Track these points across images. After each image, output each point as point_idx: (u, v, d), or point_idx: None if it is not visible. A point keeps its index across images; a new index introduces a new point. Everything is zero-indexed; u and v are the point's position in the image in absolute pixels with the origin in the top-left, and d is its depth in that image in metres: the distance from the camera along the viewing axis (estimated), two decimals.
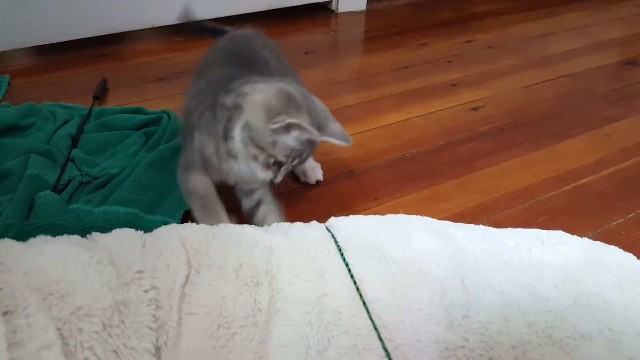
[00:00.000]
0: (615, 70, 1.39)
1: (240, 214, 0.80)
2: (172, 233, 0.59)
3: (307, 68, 1.38)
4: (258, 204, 0.79)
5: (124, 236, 0.54)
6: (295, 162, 0.74)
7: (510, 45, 1.53)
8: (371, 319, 0.49)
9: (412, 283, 0.52)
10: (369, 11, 1.80)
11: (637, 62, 1.43)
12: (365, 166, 0.99)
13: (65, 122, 1.04)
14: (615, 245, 0.67)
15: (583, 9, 1.84)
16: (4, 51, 1.35)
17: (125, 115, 1.07)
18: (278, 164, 0.73)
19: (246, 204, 0.80)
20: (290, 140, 0.70)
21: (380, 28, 1.67)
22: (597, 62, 1.43)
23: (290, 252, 0.58)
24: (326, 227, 0.64)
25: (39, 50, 1.41)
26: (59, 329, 0.40)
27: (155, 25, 1.50)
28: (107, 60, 1.40)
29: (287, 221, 0.72)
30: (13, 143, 0.94)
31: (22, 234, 0.68)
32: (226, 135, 0.72)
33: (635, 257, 0.63)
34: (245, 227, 0.63)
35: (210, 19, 1.10)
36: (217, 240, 0.58)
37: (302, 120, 0.68)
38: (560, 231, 0.64)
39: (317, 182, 0.94)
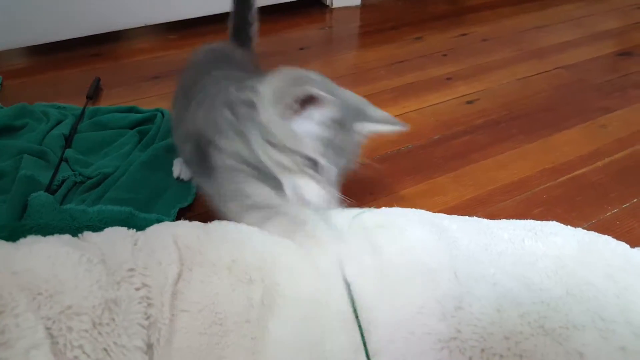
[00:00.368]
0: (611, 61, 1.38)
1: None
2: (164, 231, 0.59)
3: (302, 64, 1.36)
4: None
5: (116, 235, 0.53)
6: (342, 162, 0.60)
7: (505, 37, 1.53)
8: (356, 316, 0.49)
9: (405, 276, 0.52)
10: (363, 6, 1.79)
11: (632, 52, 1.43)
12: (360, 161, 0.99)
13: (59, 123, 1.04)
14: (610, 235, 0.67)
15: (578, 0, 1.84)
16: None
17: (119, 114, 1.06)
18: (320, 171, 0.59)
19: None
20: (314, 125, 0.57)
21: (375, 23, 1.66)
22: (592, 53, 1.42)
23: (284, 248, 0.58)
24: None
25: (31, 50, 1.41)
26: (48, 328, 0.40)
27: (148, 24, 1.50)
28: (100, 59, 1.40)
29: None
30: (6, 144, 0.94)
31: (15, 235, 0.67)
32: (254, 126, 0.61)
33: (628, 247, 0.63)
34: (239, 224, 0.63)
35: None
36: (211, 237, 0.58)
37: (319, 91, 0.55)
38: (554, 222, 0.63)
39: None
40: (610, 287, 0.53)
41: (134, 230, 0.57)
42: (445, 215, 0.67)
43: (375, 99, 1.21)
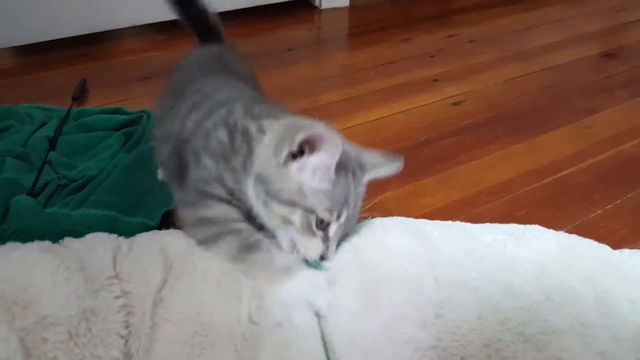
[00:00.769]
0: (594, 63, 1.40)
1: None
2: (153, 238, 0.58)
3: (290, 65, 1.37)
4: None
5: (97, 241, 0.53)
6: (343, 216, 0.55)
7: (491, 39, 1.54)
8: (323, 339, 0.48)
9: (385, 283, 0.52)
10: (352, 7, 1.79)
11: (615, 54, 1.44)
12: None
13: (43, 124, 1.02)
14: (593, 236, 0.68)
15: (562, 2, 1.85)
16: None
17: (104, 115, 1.05)
18: (322, 226, 0.55)
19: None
20: (316, 174, 0.53)
21: (364, 24, 1.67)
22: (576, 54, 1.43)
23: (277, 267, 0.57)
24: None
25: (16, 51, 1.39)
26: (21, 340, 0.39)
27: (137, 24, 1.48)
28: (87, 60, 1.38)
29: None
30: None
31: None
32: (241, 181, 0.58)
33: (610, 249, 0.63)
34: None
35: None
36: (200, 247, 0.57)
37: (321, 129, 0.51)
38: (536, 225, 0.64)
39: None
40: (589, 291, 0.53)
41: (116, 235, 0.56)
42: (427, 220, 0.67)
43: (364, 100, 1.21)
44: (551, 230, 0.63)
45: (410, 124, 1.11)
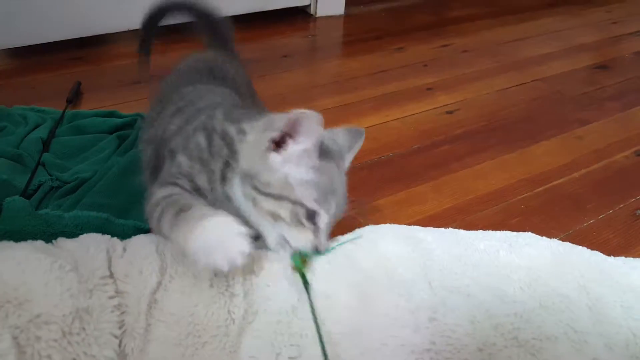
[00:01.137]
0: (587, 74, 1.42)
1: None
2: (148, 240, 0.58)
3: (285, 71, 1.38)
4: None
5: (90, 242, 0.53)
6: (333, 205, 0.55)
7: (485, 49, 1.56)
8: (318, 330, 0.48)
9: (379, 288, 0.52)
10: (347, 15, 1.81)
11: (608, 66, 1.46)
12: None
13: (37, 126, 1.02)
14: (586, 245, 0.68)
15: (556, 14, 1.88)
16: None
17: (99, 118, 1.05)
18: (311, 217, 0.54)
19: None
20: (301, 164, 0.53)
21: (359, 32, 1.68)
22: (569, 66, 1.45)
23: (268, 262, 0.57)
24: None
25: (11, 53, 1.38)
26: (15, 338, 0.39)
27: (131, 28, 1.48)
28: (82, 63, 1.38)
29: None
30: None
31: None
32: (224, 182, 0.58)
33: (603, 257, 0.64)
34: None
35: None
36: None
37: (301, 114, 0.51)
38: (529, 233, 0.64)
39: None
40: (582, 298, 0.53)
41: (109, 236, 0.56)
42: (420, 227, 0.67)
43: (358, 107, 1.22)
44: (544, 238, 0.63)
45: (404, 132, 1.12)
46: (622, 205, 0.91)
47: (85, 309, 0.44)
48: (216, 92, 0.73)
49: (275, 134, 0.53)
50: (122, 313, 0.46)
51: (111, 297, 0.47)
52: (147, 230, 0.73)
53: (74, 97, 1.17)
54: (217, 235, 0.48)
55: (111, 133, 1.01)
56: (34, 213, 0.75)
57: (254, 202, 0.55)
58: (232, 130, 0.59)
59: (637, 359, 0.52)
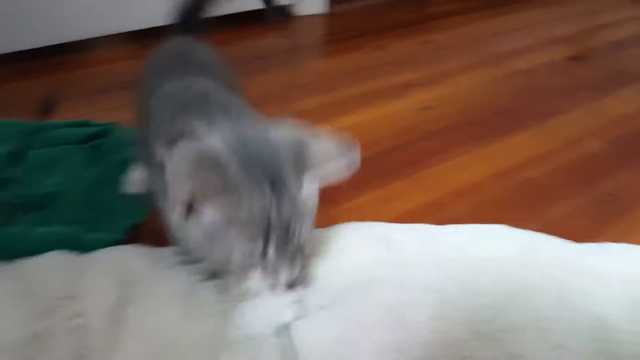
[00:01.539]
0: (562, 66, 1.44)
1: None
2: (111, 255, 0.57)
3: (265, 72, 1.39)
4: None
5: (50, 260, 0.52)
6: (271, 245, 0.48)
7: (463, 45, 1.58)
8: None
9: (352, 291, 0.54)
10: (328, 14, 1.82)
11: (582, 57, 1.49)
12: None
13: (6, 139, 0.98)
14: (560, 233, 0.70)
15: (532, 7, 1.90)
16: None
17: (72, 128, 1.02)
18: (249, 265, 0.49)
19: None
20: (216, 227, 0.46)
21: (339, 31, 1.69)
22: (544, 58, 1.48)
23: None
24: None
25: None
26: None
27: (107, 34, 1.48)
28: (55, 71, 1.37)
29: None
30: None
31: None
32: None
33: (571, 243, 0.65)
34: None
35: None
36: (161, 264, 0.57)
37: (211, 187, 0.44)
38: (499, 225, 0.66)
39: None
40: (548, 286, 0.55)
41: (71, 253, 0.54)
42: (394, 224, 0.69)
43: (339, 106, 1.23)
44: (515, 229, 0.65)
45: (383, 130, 1.14)
46: (593, 192, 0.94)
47: (41, 333, 0.43)
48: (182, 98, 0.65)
49: (179, 197, 0.46)
50: (83, 334, 0.45)
51: (70, 318, 0.45)
52: (120, 242, 0.73)
53: (47, 108, 1.15)
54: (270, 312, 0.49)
55: (85, 143, 0.99)
56: (3, 230, 0.72)
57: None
58: (161, 154, 0.51)
59: (602, 343, 0.54)
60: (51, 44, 1.41)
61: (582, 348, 0.53)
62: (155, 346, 0.47)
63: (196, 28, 0.96)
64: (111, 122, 1.06)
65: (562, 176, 0.99)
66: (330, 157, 0.54)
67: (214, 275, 0.54)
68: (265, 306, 0.52)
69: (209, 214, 0.46)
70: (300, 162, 0.51)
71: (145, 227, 0.82)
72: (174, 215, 0.47)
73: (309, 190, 0.52)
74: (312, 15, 1.80)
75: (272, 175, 0.49)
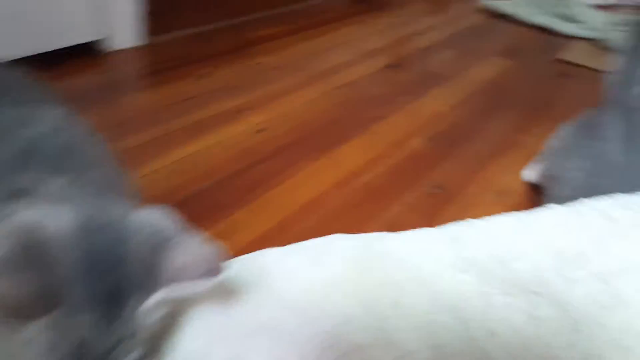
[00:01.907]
0: (381, 75, 1.55)
1: None
2: None
3: (82, 114, 1.25)
4: None
5: None
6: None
7: (290, 65, 1.61)
8: None
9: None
10: (146, 46, 1.72)
11: (398, 65, 1.62)
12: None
13: None
14: (400, 228, 0.70)
15: (351, 24, 2.03)
16: None
17: None
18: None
19: None
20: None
21: (161, 62, 1.61)
22: (366, 69, 1.57)
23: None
24: None
25: None
26: None
27: None
28: None
29: None
30: None
31: None
32: None
33: (400, 239, 0.65)
34: None
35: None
36: None
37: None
38: (333, 235, 0.64)
39: None
40: (385, 293, 0.54)
41: None
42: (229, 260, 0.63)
43: (167, 139, 1.15)
44: (348, 236, 0.64)
45: (218, 158, 1.09)
46: (423, 186, 1.00)
47: None
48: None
49: None
50: None
51: None
52: None
53: None
54: None
55: None
56: None
57: None
58: None
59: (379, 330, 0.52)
60: None
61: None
62: None
63: None
64: None
65: (393, 176, 1.04)
66: (192, 268, 0.43)
67: None
68: None
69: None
70: (153, 275, 0.41)
71: None
72: None
73: (152, 316, 0.41)
74: (129, 49, 1.69)
75: (110, 289, 0.38)
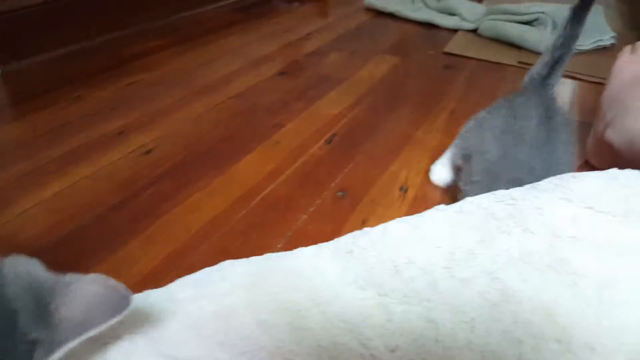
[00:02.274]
0: (273, 82, 1.50)
1: None
2: None
3: None
4: None
5: None
6: None
7: (174, 80, 1.50)
8: None
9: None
10: (5, 74, 1.52)
11: (287, 71, 1.58)
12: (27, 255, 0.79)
13: None
14: (306, 241, 0.65)
15: (235, 32, 1.96)
16: None
17: None
18: None
19: None
20: None
21: (23, 90, 1.42)
22: (256, 78, 1.51)
23: None
24: None
25: None
26: None
27: None
28: None
29: None
30: None
31: None
32: None
33: (291, 255, 0.60)
34: None
35: None
36: None
37: None
38: (225, 262, 0.58)
39: None
40: (283, 316, 0.49)
41: None
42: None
43: (37, 175, 1.00)
44: (242, 261, 0.58)
45: (99, 188, 0.97)
46: (326, 193, 0.96)
47: None
48: None
49: None
50: None
51: None
52: None
53: None
54: None
55: None
56: None
57: None
58: None
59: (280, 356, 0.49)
60: None
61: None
62: None
63: None
64: None
65: (296, 185, 0.99)
66: (90, 313, 0.39)
67: None
68: None
69: None
70: (49, 330, 0.36)
71: None
72: None
73: None
74: None
75: None
